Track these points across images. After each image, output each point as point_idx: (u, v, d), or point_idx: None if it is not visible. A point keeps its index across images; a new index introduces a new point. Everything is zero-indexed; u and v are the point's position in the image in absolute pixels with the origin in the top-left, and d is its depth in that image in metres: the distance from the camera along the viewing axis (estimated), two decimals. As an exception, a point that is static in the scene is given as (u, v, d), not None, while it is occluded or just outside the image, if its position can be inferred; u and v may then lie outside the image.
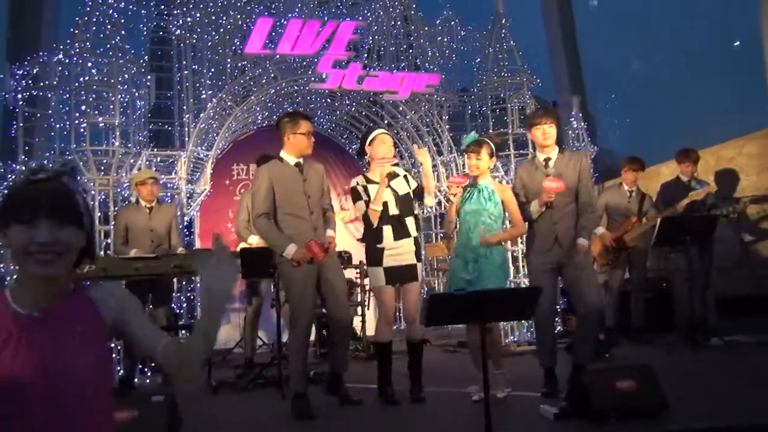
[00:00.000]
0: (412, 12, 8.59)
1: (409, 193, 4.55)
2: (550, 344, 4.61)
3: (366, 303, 6.86)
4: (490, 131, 7.70)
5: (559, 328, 6.98)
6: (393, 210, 4.46)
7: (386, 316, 4.46)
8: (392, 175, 4.53)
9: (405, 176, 4.62)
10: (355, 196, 4.52)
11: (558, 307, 7.15)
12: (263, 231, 4.25)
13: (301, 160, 4.34)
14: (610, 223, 6.51)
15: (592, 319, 4.47)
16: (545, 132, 4.52)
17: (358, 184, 4.52)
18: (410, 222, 4.50)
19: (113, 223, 6.06)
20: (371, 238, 4.48)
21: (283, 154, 4.34)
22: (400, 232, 4.43)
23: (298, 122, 4.30)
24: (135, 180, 5.89)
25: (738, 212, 6.28)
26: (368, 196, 4.48)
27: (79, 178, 6.23)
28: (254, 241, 5.69)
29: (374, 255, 4.44)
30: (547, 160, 4.58)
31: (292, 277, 4.19)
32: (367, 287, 6.90)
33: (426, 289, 8.71)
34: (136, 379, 5.67)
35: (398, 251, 4.41)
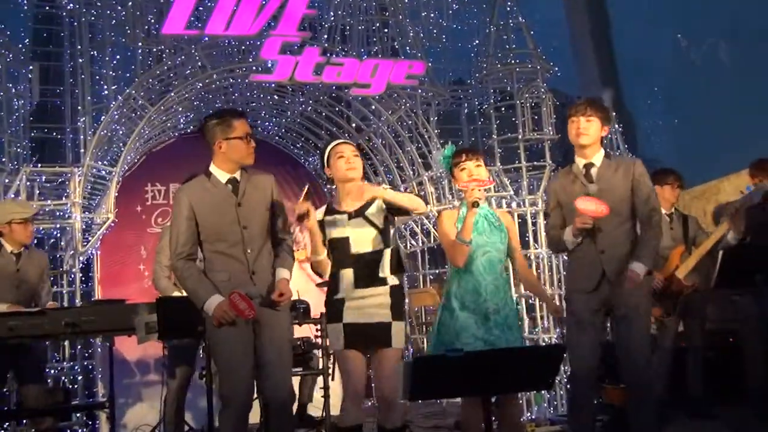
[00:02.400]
0: (388, -21, 8.69)
1: (387, 219, 4.45)
2: (587, 418, 4.57)
3: (330, 371, 6.78)
4: (494, 135, 7.75)
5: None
6: (358, 247, 4.37)
7: (352, 391, 4.35)
8: (368, 202, 4.45)
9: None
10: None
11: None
12: (181, 275, 4.17)
13: (237, 175, 4.28)
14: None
15: (644, 385, 4.47)
16: (579, 126, 4.54)
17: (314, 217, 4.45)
18: (386, 263, 4.42)
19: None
20: (331, 285, 4.44)
21: (212, 168, 4.28)
22: (369, 278, 4.35)
23: (230, 123, 4.22)
24: (11, 216, 5.77)
25: None
26: (324, 234, 4.44)
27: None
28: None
29: (332, 307, 4.38)
30: (588, 166, 4.56)
31: (221, 337, 4.12)
32: (331, 350, 6.85)
33: (411, 350, 8.67)
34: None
35: (364, 302, 4.32)
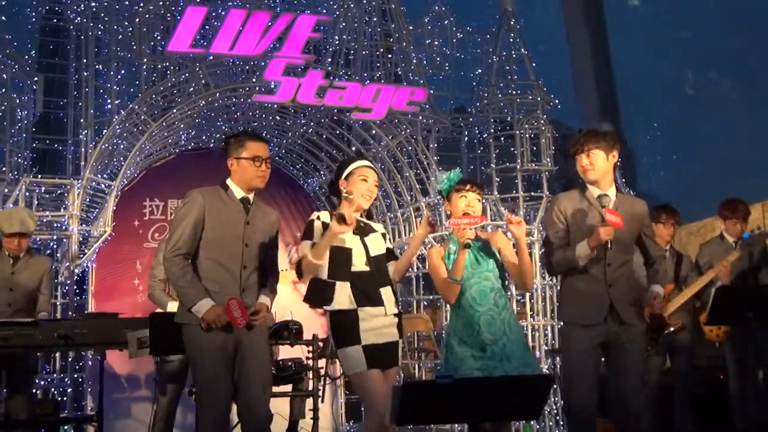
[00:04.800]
0: (393, 6, 8.75)
1: (384, 255, 4.46)
2: None
3: (320, 393, 6.78)
4: (492, 165, 7.80)
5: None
6: (359, 265, 4.34)
7: (378, 415, 4.14)
8: (367, 229, 4.45)
9: (383, 234, 4.55)
10: (307, 233, 4.37)
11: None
12: (176, 271, 4.18)
13: (250, 196, 4.34)
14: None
15: (635, 417, 4.46)
16: (582, 163, 4.49)
17: (318, 218, 4.41)
18: (385, 293, 4.36)
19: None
20: (318, 295, 4.34)
21: (229, 182, 4.35)
22: (373, 297, 4.30)
23: (243, 143, 4.30)
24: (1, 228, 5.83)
25: None
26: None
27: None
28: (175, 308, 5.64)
29: (346, 330, 4.26)
30: (602, 197, 4.52)
31: (200, 345, 4.12)
32: (322, 371, 6.83)
33: (402, 376, 8.66)
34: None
35: (376, 322, 4.27)
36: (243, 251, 4.25)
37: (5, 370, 5.62)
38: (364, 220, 4.51)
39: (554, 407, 7.29)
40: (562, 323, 4.82)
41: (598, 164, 4.47)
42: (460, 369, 4.28)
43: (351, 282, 4.29)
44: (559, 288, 4.98)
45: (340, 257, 4.31)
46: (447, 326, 4.56)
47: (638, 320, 4.50)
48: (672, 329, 6.43)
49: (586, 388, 4.42)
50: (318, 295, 4.34)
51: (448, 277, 4.33)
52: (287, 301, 7.67)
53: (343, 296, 4.27)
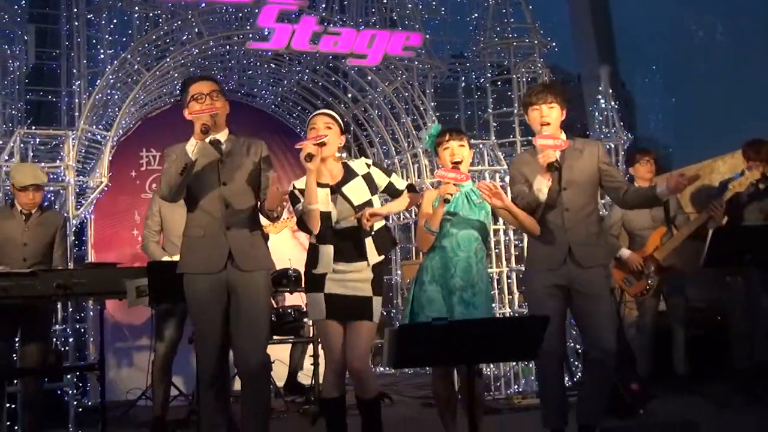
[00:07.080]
0: (388, -51, 8.63)
1: (371, 200, 4.40)
2: (556, 397, 4.58)
3: (320, 340, 6.82)
4: (489, 109, 7.74)
5: (579, 375, 7.02)
6: (344, 222, 4.35)
7: (332, 362, 4.38)
8: (345, 177, 4.42)
9: (367, 174, 4.47)
10: (293, 202, 4.42)
11: (577, 347, 7.22)
12: (161, 189, 4.24)
13: (219, 136, 4.30)
14: (632, 241, 6.61)
15: (607, 365, 4.50)
16: (542, 114, 4.53)
17: (295, 188, 4.41)
18: (370, 242, 4.38)
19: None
20: (309, 257, 4.42)
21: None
22: (350, 254, 4.33)
23: (185, 91, 4.35)
24: (13, 181, 5.81)
25: None
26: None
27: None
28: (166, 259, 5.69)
29: (312, 277, 4.37)
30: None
31: (194, 294, 4.19)
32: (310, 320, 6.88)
33: (398, 324, 8.70)
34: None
35: (346, 276, 4.32)
36: (222, 190, 4.24)
37: (20, 320, 5.68)
38: (347, 162, 4.48)
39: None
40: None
41: (554, 118, 4.53)
42: (426, 308, 4.35)
43: (335, 243, 4.32)
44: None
45: (321, 220, 4.31)
46: (422, 262, 4.55)
47: (600, 264, 4.58)
48: (663, 271, 6.46)
49: (550, 330, 4.46)
50: (310, 259, 4.40)
51: (424, 226, 4.36)
52: (286, 248, 7.69)
53: (326, 259, 4.32)
